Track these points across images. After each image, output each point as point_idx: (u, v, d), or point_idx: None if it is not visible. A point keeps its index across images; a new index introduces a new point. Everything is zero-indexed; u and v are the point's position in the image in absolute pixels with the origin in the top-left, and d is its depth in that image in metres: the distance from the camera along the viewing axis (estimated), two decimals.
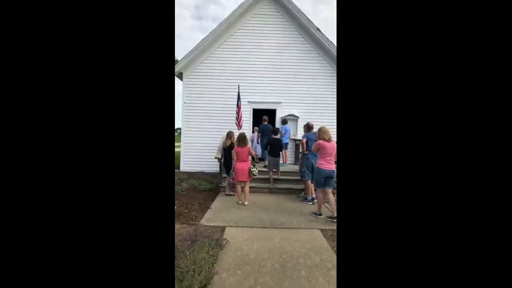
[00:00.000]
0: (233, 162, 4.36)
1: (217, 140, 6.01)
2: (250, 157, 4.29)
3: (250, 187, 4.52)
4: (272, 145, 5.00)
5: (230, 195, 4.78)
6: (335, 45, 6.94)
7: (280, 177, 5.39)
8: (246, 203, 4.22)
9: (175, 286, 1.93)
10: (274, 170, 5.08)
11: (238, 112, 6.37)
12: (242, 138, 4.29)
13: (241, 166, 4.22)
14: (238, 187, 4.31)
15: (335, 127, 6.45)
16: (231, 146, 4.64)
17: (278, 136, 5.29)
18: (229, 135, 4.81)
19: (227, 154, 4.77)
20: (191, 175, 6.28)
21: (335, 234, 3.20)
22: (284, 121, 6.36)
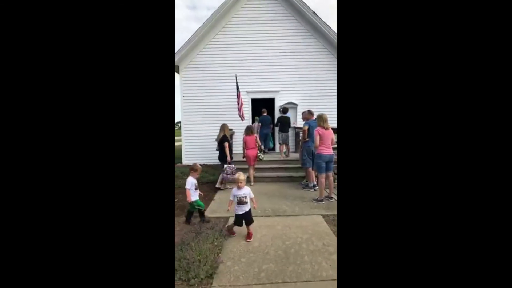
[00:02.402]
0: (243, 150, 4.95)
1: (217, 132, 6.03)
2: (257, 145, 4.90)
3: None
4: (282, 122, 5.85)
5: (220, 188, 4.70)
6: (333, 29, 6.79)
7: (288, 157, 5.90)
8: (252, 183, 4.87)
9: (182, 277, 2.01)
10: (285, 143, 5.94)
11: (238, 103, 6.31)
12: (249, 128, 4.98)
13: (251, 153, 4.82)
14: (250, 170, 4.96)
15: (334, 112, 6.42)
16: (222, 139, 4.61)
17: (287, 115, 6.05)
18: (222, 128, 4.71)
19: (220, 148, 4.68)
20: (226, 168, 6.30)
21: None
22: (284, 110, 6.22)
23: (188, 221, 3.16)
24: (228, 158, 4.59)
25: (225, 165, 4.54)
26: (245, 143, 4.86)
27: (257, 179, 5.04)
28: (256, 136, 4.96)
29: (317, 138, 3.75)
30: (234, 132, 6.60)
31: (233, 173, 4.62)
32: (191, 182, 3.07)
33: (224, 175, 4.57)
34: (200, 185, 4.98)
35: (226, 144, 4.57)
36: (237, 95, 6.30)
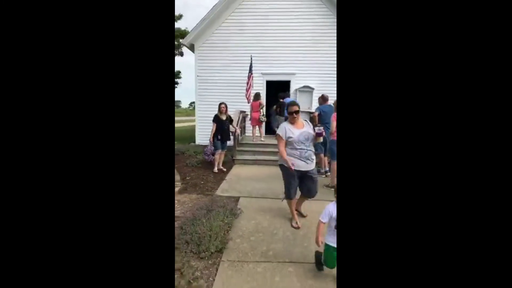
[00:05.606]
0: (250, 113, 5.96)
1: (231, 113, 6.01)
2: (260, 109, 5.80)
3: (263, 160, 5.08)
4: (281, 107, 6.23)
5: (218, 172, 4.65)
6: None
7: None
8: (262, 139, 5.87)
9: (194, 250, 2.10)
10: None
11: (248, 83, 6.24)
12: (257, 94, 5.93)
13: (255, 115, 5.86)
14: (254, 130, 6.09)
15: None
16: (216, 117, 4.74)
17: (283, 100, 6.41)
18: (219, 107, 4.77)
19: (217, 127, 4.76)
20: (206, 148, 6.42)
21: None
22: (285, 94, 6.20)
23: (319, 267, 1.87)
24: (210, 138, 4.79)
25: (208, 146, 4.83)
26: (251, 107, 5.87)
27: (270, 162, 5.06)
28: (260, 101, 5.87)
29: (334, 124, 3.64)
30: (248, 114, 6.56)
31: (212, 154, 4.84)
32: (328, 211, 1.69)
33: (204, 155, 4.94)
34: (209, 165, 5.07)
35: (214, 125, 4.72)
36: (248, 76, 6.20)
